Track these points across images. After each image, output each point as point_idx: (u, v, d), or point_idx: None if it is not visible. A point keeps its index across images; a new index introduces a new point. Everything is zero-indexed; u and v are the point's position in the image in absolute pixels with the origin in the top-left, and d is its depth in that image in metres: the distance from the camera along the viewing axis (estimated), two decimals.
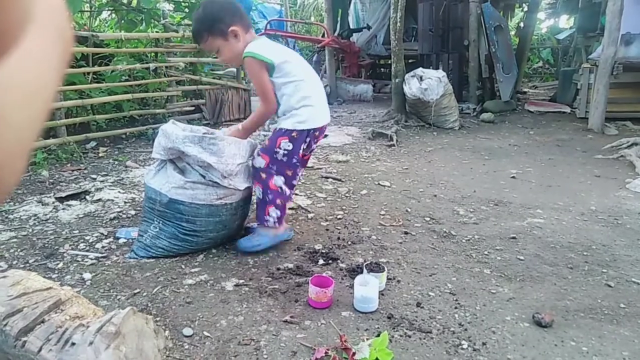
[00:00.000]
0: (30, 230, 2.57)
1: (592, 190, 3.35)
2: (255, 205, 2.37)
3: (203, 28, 2.14)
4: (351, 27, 8.97)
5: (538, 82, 11.05)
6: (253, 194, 2.35)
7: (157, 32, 5.63)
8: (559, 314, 1.82)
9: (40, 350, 1.30)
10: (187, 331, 1.68)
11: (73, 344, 1.29)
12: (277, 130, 2.22)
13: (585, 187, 3.43)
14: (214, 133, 2.28)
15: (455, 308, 1.86)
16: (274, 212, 2.24)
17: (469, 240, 2.50)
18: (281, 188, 2.24)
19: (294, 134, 2.17)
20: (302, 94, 2.17)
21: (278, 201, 2.24)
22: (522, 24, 9.51)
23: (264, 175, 2.22)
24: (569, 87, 7.10)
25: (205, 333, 1.68)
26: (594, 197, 3.20)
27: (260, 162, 2.22)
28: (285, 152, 2.18)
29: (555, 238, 2.53)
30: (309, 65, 2.37)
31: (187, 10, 5.80)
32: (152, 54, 5.24)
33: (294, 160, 2.22)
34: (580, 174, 3.78)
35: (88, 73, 4.51)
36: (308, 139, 2.23)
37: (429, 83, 5.40)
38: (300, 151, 2.22)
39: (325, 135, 5.05)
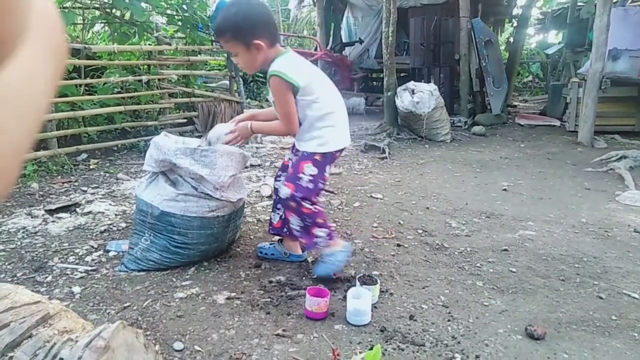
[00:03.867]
0: (19, 243, 2.53)
1: (582, 203, 3.38)
2: (294, 234, 2.17)
3: (229, 28, 1.95)
4: (343, 40, 9.05)
5: (528, 95, 11.20)
6: (249, 206, 2.30)
7: (150, 44, 5.64)
8: (551, 326, 1.82)
9: None
10: (178, 345, 1.66)
11: (61, 359, 1.27)
12: (300, 154, 2.10)
13: (575, 200, 3.46)
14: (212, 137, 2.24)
15: (448, 321, 1.85)
16: (320, 232, 2.08)
17: (461, 252, 2.50)
18: (314, 208, 2.05)
19: (317, 157, 2.04)
20: (325, 114, 2.03)
21: (319, 220, 2.07)
22: (512, 39, 9.66)
23: (293, 204, 2.04)
24: (558, 101, 7.20)
25: (196, 347, 1.66)
26: (584, 210, 3.22)
27: (286, 191, 2.03)
28: (311, 177, 2.02)
29: (546, 250, 2.54)
30: (332, 82, 2.21)
31: (180, 23, 5.83)
32: (145, 67, 5.25)
33: (320, 185, 2.07)
34: (571, 187, 3.81)
35: (80, 85, 4.50)
36: (331, 162, 2.11)
37: (420, 96, 5.45)
38: (326, 173, 2.09)
39: None
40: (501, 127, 6.69)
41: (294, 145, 2.28)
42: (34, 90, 0.26)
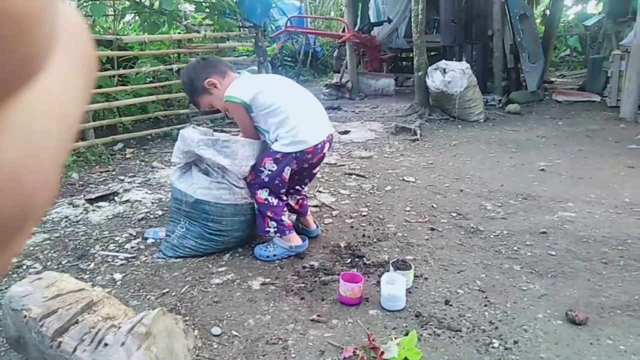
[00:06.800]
0: (63, 231, 2.63)
1: (625, 182, 3.24)
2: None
3: (189, 94, 2.36)
4: (372, 21, 8.88)
5: (566, 71, 10.74)
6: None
7: (179, 33, 5.69)
8: (593, 311, 1.77)
9: (75, 350, 1.33)
10: (216, 330, 1.70)
11: (106, 344, 1.32)
12: (267, 151, 2.25)
13: (618, 179, 3.32)
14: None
15: (485, 305, 1.83)
16: (272, 223, 2.26)
17: (497, 235, 2.45)
18: (267, 200, 2.23)
19: (278, 155, 2.17)
20: (284, 119, 2.16)
21: (269, 213, 2.24)
22: (548, 12, 9.25)
23: (251, 190, 2.28)
24: (598, 75, 6.87)
25: (234, 332, 1.69)
26: (628, 189, 3.09)
27: (249, 177, 2.27)
28: (269, 172, 2.19)
29: (587, 232, 2.45)
30: (290, 83, 2.36)
31: (207, 10, 5.84)
32: (175, 55, 5.30)
33: (277, 182, 2.21)
34: (613, 165, 3.65)
35: (113, 76, 4.60)
36: (295, 163, 2.19)
37: (452, 75, 5.31)
38: (285, 174, 2.19)
39: (347, 132, 5.03)
40: (537, 105, 6.45)
41: None
42: (66, 105, 0.25)
